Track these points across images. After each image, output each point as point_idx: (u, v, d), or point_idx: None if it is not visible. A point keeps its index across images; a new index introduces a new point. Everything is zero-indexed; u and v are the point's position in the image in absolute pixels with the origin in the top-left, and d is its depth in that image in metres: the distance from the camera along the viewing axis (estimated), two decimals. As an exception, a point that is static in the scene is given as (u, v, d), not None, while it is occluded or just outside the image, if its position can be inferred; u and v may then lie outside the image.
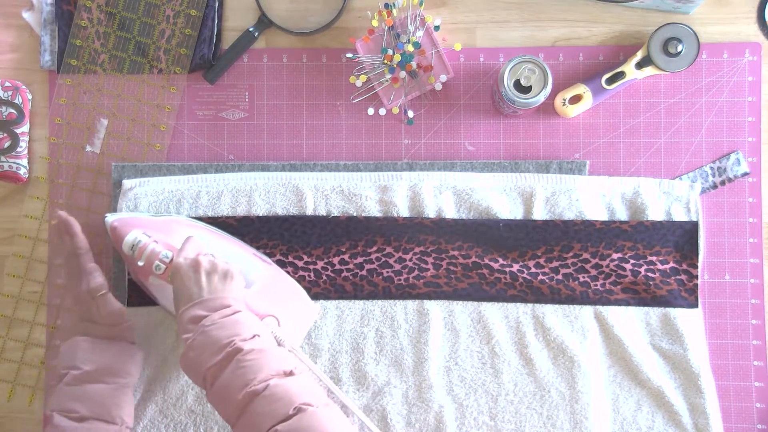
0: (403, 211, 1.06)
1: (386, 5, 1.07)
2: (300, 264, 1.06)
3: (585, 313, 1.05)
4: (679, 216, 1.06)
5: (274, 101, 1.11)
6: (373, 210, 1.07)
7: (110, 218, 1.00)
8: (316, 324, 1.05)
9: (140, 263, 0.94)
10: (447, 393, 1.04)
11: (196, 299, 0.87)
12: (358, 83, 1.10)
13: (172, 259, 0.94)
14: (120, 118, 1.11)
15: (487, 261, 1.05)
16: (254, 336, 0.85)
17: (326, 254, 1.06)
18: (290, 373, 0.83)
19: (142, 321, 1.05)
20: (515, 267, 1.05)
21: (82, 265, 0.98)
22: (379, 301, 1.05)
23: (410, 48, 1.07)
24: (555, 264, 1.05)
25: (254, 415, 0.79)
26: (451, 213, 1.06)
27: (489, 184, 1.07)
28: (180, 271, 0.90)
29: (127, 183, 1.07)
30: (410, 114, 1.10)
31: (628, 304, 1.05)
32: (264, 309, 0.94)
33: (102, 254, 1.10)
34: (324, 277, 1.06)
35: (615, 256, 1.05)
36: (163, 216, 1.03)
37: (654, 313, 1.05)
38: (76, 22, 1.10)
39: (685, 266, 1.05)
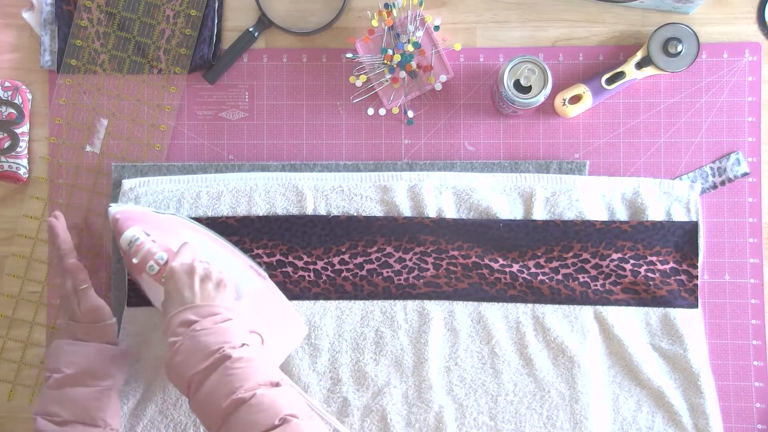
0: (403, 211, 1.06)
1: (386, 5, 1.07)
2: (300, 264, 1.06)
3: (585, 313, 1.05)
4: (679, 216, 1.06)
5: (274, 101, 1.11)
6: (374, 210, 1.07)
7: (114, 209, 0.99)
8: (316, 324, 1.05)
9: (135, 260, 0.94)
10: (447, 393, 1.04)
11: (187, 304, 0.87)
12: (358, 83, 1.10)
13: (167, 262, 0.93)
14: (120, 118, 1.11)
15: (487, 261, 1.05)
16: (243, 344, 0.84)
17: (326, 254, 1.06)
18: (277, 384, 0.82)
19: (141, 321, 1.05)
20: (515, 267, 1.05)
21: (65, 263, 0.98)
22: (379, 302, 1.05)
23: (410, 48, 1.07)
24: (555, 264, 1.05)
25: (239, 423, 0.78)
26: (451, 213, 1.06)
27: (489, 185, 1.07)
28: (174, 275, 0.89)
29: (127, 183, 1.07)
30: (410, 114, 1.10)
31: (628, 304, 1.05)
32: (250, 324, 0.92)
33: (102, 254, 1.10)
34: (324, 277, 1.06)
35: (615, 256, 1.05)
36: (165, 213, 1.03)
37: (654, 313, 1.05)
38: (76, 22, 1.10)
39: (685, 266, 1.05)
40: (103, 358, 0.94)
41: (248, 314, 0.93)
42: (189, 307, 0.86)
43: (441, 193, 1.06)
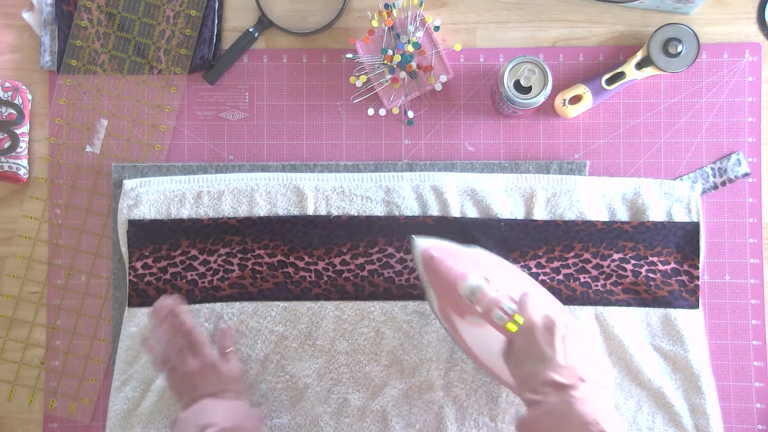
0: (404, 211, 1.06)
1: (386, 6, 1.07)
2: (301, 264, 1.06)
3: (585, 313, 1.05)
4: (680, 217, 1.06)
5: (274, 102, 1.11)
6: (375, 210, 1.06)
7: (423, 243, 0.96)
8: (316, 324, 1.05)
9: (479, 309, 0.90)
10: (447, 393, 1.04)
11: (548, 361, 0.85)
12: (358, 84, 1.10)
13: (513, 313, 0.89)
14: (120, 118, 1.11)
15: (487, 261, 1.05)
16: (614, 421, 0.82)
17: (327, 255, 1.06)
18: None
19: (143, 322, 1.05)
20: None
21: (199, 337, 0.97)
22: (380, 302, 1.05)
23: (410, 48, 1.07)
24: (556, 264, 1.05)
25: None
26: (452, 214, 1.06)
27: (489, 185, 1.07)
28: (534, 329, 0.87)
29: (128, 183, 1.07)
30: (410, 114, 1.10)
31: (628, 304, 1.05)
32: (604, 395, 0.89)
33: (102, 255, 1.10)
34: (325, 278, 1.06)
35: (616, 256, 1.05)
36: (470, 247, 0.99)
37: (654, 313, 1.05)
38: (76, 22, 1.10)
39: (686, 267, 1.05)
40: (251, 416, 0.95)
41: (600, 381, 0.89)
42: (556, 367, 0.84)
43: (442, 194, 1.06)
